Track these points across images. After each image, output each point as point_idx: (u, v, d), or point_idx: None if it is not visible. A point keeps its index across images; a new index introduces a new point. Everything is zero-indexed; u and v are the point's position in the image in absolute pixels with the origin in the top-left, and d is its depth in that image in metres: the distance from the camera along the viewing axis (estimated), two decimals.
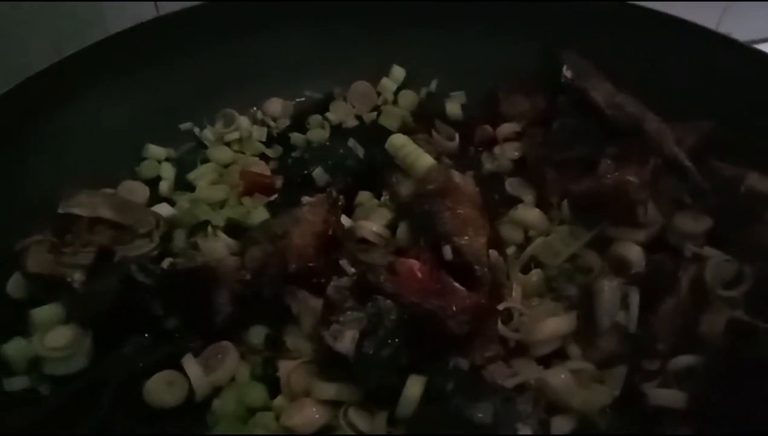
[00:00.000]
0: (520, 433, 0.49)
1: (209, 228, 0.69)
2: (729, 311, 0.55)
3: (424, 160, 0.71)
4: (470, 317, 0.52)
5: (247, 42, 0.89)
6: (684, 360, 0.54)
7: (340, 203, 0.64)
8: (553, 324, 0.58)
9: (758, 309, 0.56)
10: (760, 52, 0.73)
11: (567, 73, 0.80)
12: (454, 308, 0.52)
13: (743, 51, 0.75)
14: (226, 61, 0.89)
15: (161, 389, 0.57)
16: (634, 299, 0.56)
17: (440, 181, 0.70)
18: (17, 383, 0.59)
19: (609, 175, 0.69)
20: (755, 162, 0.69)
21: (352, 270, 0.58)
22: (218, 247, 0.64)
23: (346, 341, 0.52)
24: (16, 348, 0.60)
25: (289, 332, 0.60)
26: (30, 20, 0.88)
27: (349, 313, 0.53)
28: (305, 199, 0.68)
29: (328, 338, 0.52)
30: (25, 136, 0.74)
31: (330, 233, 0.61)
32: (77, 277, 0.64)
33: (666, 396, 0.52)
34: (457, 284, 0.55)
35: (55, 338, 0.60)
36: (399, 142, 0.73)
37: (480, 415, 0.49)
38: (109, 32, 0.80)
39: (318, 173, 0.73)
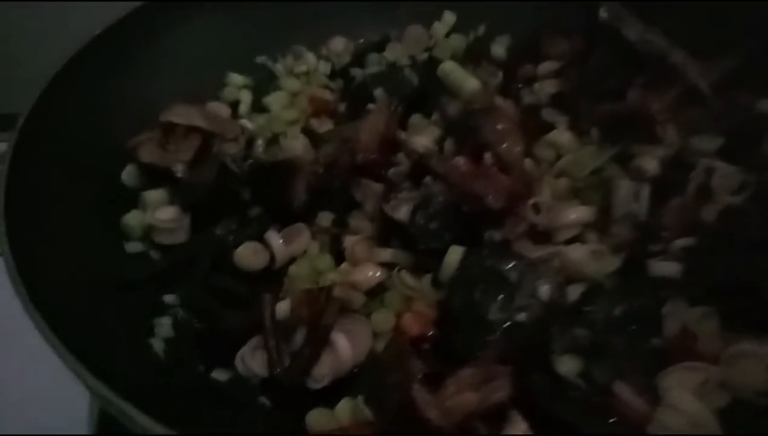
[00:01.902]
0: (541, 290, 0.62)
1: (288, 132, 0.83)
2: (729, 200, 0.66)
3: (471, 83, 0.84)
4: (505, 196, 0.66)
5: None
6: (683, 241, 0.66)
7: (398, 111, 0.77)
8: (576, 212, 0.71)
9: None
10: None
11: (603, 14, 0.91)
12: (492, 189, 0.65)
13: None
14: (298, 4, 1.03)
15: (249, 255, 0.72)
16: (645, 192, 0.68)
17: (484, 101, 0.83)
18: (134, 246, 0.76)
19: (635, 96, 0.81)
20: None
21: (408, 161, 0.71)
22: (297, 145, 0.79)
23: (402, 211, 0.66)
24: (133, 218, 0.76)
25: (353, 216, 0.74)
26: None
27: (405, 192, 0.67)
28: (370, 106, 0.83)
29: (388, 209, 0.66)
30: (134, 59, 0.89)
31: (390, 135, 0.74)
32: (180, 168, 0.79)
33: (664, 267, 0.64)
34: (496, 171, 0.68)
35: (163, 213, 0.76)
36: (449, 67, 0.86)
37: (508, 272, 0.62)
38: None
39: (379, 93, 0.86)
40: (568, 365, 0.60)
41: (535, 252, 0.67)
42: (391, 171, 0.69)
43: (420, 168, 0.68)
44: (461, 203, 0.66)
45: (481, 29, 1.06)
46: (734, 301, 0.60)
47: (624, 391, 0.58)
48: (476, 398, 0.53)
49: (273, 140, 0.87)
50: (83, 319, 0.62)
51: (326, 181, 0.75)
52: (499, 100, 0.84)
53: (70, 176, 0.74)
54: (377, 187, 0.71)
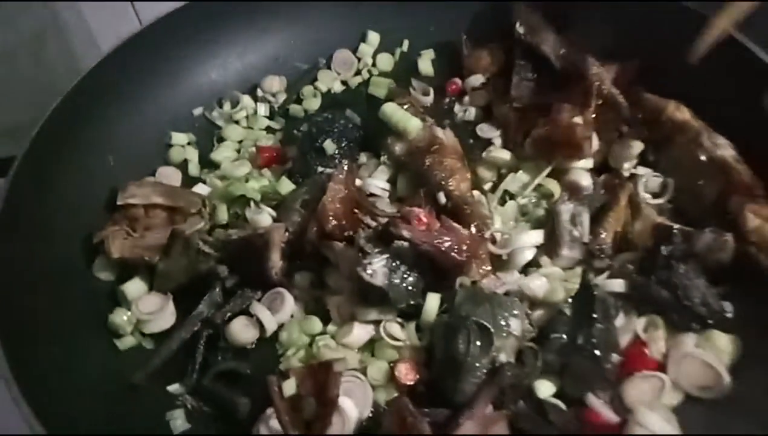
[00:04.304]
0: (512, 323, 0.69)
1: (251, 203, 0.84)
2: (655, 218, 0.75)
3: (413, 123, 0.87)
4: (467, 247, 0.71)
5: (240, 30, 1.02)
6: (623, 257, 0.74)
7: (355, 172, 0.80)
8: (528, 236, 0.78)
9: (677, 214, 0.77)
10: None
11: (520, 29, 0.95)
12: (455, 243, 0.71)
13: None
14: (226, 49, 1.02)
15: (240, 331, 0.75)
16: (585, 217, 0.75)
17: (427, 138, 0.87)
18: (127, 342, 0.77)
19: (560, 117, 0.87)
20: (672, 88, 0.87)
21: (373, 223, 0.75)
22: (264, 218, 0.81)
23: (380, 277, 0.70)
24: (118, 316, 0.77)
25: (329, 274, 0.78)
26: None
27: (378, 257, 0.71)
28: (322, 169, 0.86)
29: (367, 277, 0.70)
30: (80, 138, 0.87)
31: (352, 197, 0.77)
32: (150, 256, 0.80)
33: (612, 284, 0.72)
34: (454, 224, 0.73)
35: (146, 304, 0.78)
36: (390, 110, 0.88)
37: (482, 315, 0.68)
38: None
39: (328, 145, 0.88)
40: (544, 388, 0.68)
41: (501, 287, 0.74)
42: (362, 237, 0.73)
43: (387, 232, 0.72)
44: (430, 257, 0.71)
45: (405, 45, 1.08)
46: (668, 308, 0.69)
47: (595, 402, 0.67)
48: None
49: (234, 202, 0.88)
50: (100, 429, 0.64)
51: (298, 247, 0.78)
52: (440, 133, 0.88)
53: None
54: (350, 252, 0.74)
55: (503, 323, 0.69)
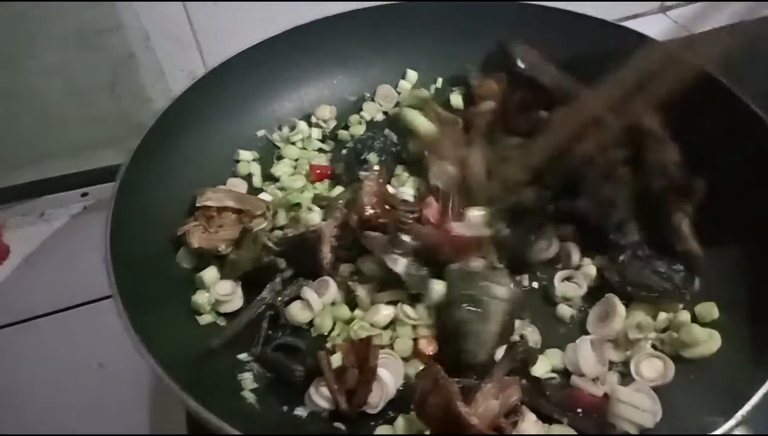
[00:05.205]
0: (498, 291, 0.79)
1: (304, 206, 0.97)
2: None
3: (420, 121, 1.03)
4: (462, 247, 0.85)
5: (298, 69, 1.17)
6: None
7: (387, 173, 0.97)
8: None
9: None
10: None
11: (521, 64, 1.07)
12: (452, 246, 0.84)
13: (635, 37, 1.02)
14: (285, 84, 1.17)
15: (297, 311, 0.88)
16: None
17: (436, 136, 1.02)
18: (206, 318, 0.90)
19: None
20: None
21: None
22: (315, 217, 0.94)
23: (400, 266, 0.83)
24: (201, 297, 0.90)
25: (362, 262, 0.90)
26: None
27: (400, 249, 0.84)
28: (362, 173, 0.98)
29: (390, 263, 0.82)
30: (167, 156, 1.01)
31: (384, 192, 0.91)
32: (223, 247, 0.93)
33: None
34: (457, 227, 0.86)
35: (221, 288, 0.90)
36: (410, 114, 1.06)
37: (474, 291, 0.80)
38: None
39: (371, 157, 1.03)
40: (539, 368, 0.78)
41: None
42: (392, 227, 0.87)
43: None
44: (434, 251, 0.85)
45: (439, 82, 1.21)
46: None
47: (578, 381, 0.76)
48: (499, 404, 0.69)
49: (292, 208, 1.01)
50: (196, 381, 0.75)
51: (342, 239, 0.90)
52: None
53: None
54: (381, 238, 0.87)
55: (491, 290, 0.80)
